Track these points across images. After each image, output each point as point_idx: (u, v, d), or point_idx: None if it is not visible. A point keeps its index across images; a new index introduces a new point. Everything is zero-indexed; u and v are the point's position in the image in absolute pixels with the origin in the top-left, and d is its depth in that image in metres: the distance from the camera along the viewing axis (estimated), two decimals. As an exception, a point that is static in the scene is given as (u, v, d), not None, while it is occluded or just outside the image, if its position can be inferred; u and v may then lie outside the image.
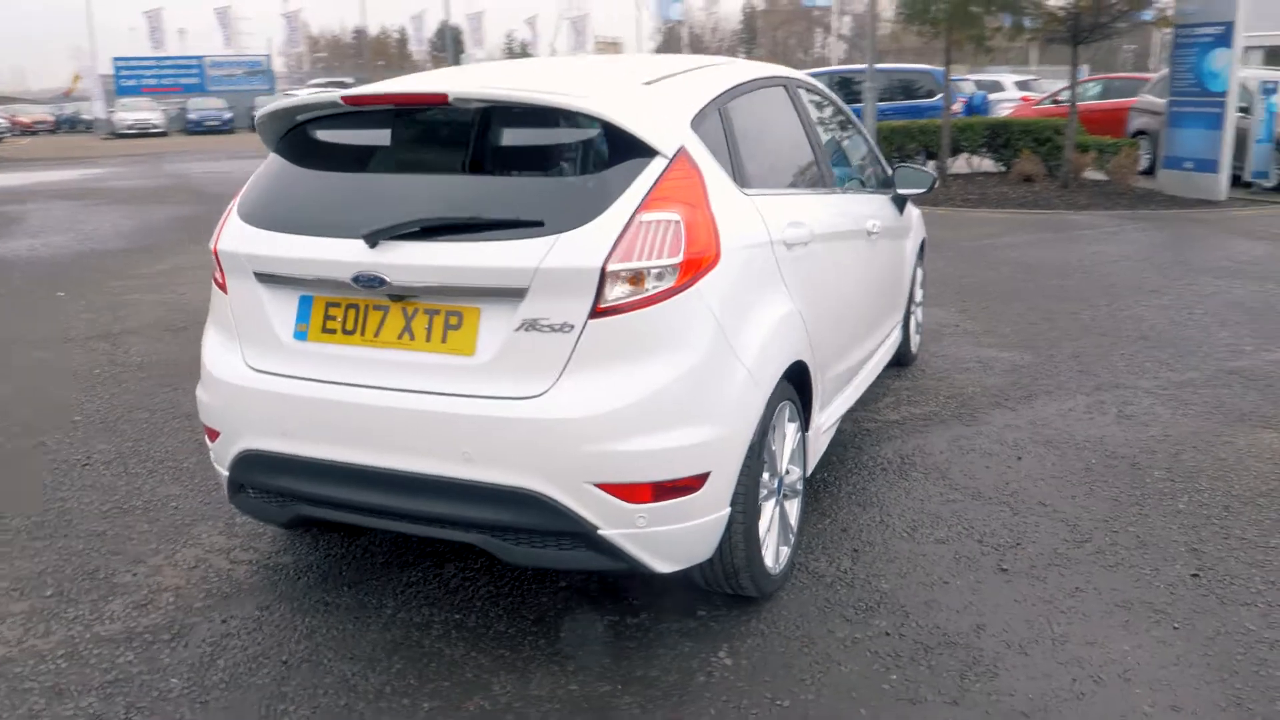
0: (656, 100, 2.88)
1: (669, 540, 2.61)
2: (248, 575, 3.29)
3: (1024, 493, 3.81)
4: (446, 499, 2.64)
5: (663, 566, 2.64)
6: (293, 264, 2.77)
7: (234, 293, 2.92)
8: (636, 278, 2.50)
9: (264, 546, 3.48)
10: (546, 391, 2.53)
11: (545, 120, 2.72)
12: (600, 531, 2.55)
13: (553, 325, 2.51)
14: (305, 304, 2.80)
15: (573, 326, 2.51)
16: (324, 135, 3.00)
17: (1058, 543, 3.39)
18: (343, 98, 2.80)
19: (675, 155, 2.67)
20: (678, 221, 2.57)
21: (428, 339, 2.64)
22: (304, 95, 3.00)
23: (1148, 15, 12.75)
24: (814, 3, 27.10)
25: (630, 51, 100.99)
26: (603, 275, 2.48)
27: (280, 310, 2.83)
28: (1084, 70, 21.89)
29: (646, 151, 2.63)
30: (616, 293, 2.50)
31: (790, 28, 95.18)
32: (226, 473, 2.99)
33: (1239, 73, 12.52)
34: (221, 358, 2.96)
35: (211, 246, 2.98)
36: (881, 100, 15.80)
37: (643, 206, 2.55)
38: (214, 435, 3.01)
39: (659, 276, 2.52)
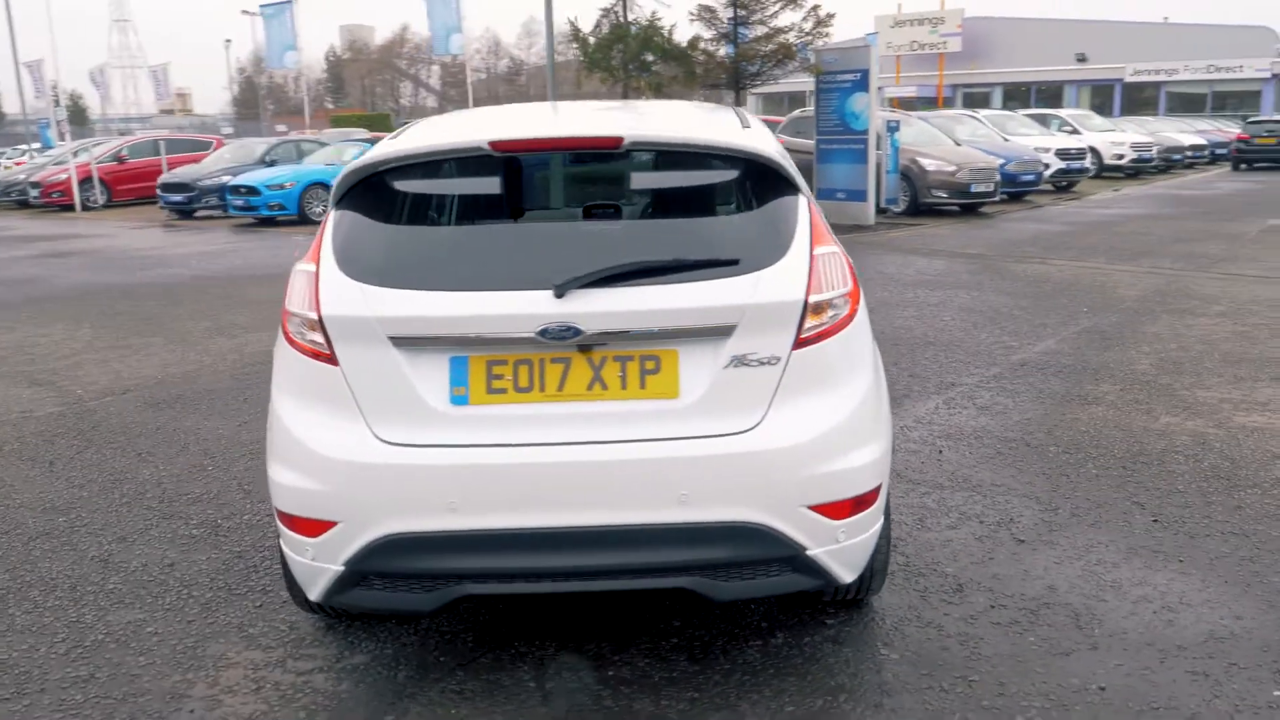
0: (775, 143, 3.03)
1: (855, 552, 2.76)
2: (333, 683, 2.91)
3: (973, 479, 4.37)
4: (657, 546, 2.59)
5: (848, 578, 2.78)
6: (452, 323, 2.55)
7: (351, 362, 2.61)
8: (822, 308, 2.65)
9: (316, 650, 3.08)
10: (760, 423, 2.59)
11: (700, 162, 2.77)
12: (808, 552, 2.64)
13: (761, 359, 2.59)
14: (459, 365, 2.59)
15: (779, 359, 2.60)
16: (437, 184, 2.80)
17: (1038, 514, 3.97)
18: (492, 143, 2.64)
19: (806, 195, 2.85)
20: (839, 254, 2.75)
21: (623, 386, 2.58)
22: (433, 141, 2.78)
23: (804, 63, 14.52)
24: (448, 51, 27.17)
25: (200, 102, 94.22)
26: (805, 307, 2.61)
27: (427, 375, 2.59)
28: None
29: (793, 190, 2.79)
30: (810, 324, 2.63)
31: (377, 76, 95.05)
32: (340, 567, 2.66)
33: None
34: (331, 437, 2.62)
35: (307, 312, 2.65)
36: None
37: (813, 242, 2.71)
38: (319, 528, 2.66)
39: (837, 306, 2.69)
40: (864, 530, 2.76)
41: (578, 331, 2.51)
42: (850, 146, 14.86)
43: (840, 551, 2.70)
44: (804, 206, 2.78)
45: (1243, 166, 25.86)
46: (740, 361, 2.58)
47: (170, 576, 3.62)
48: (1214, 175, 25.05)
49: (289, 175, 18.70)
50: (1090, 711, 2.66)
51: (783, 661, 2.94)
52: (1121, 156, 22.44)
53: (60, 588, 3.57)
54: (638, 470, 2.54)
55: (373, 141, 21.25)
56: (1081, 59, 42.45)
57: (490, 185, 2.80)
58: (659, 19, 13.96)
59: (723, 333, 2.57)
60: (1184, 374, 5.95)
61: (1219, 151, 28.11)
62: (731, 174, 2.76)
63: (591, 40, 14.19)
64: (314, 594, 2.77)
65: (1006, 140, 18.98)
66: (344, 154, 19.53)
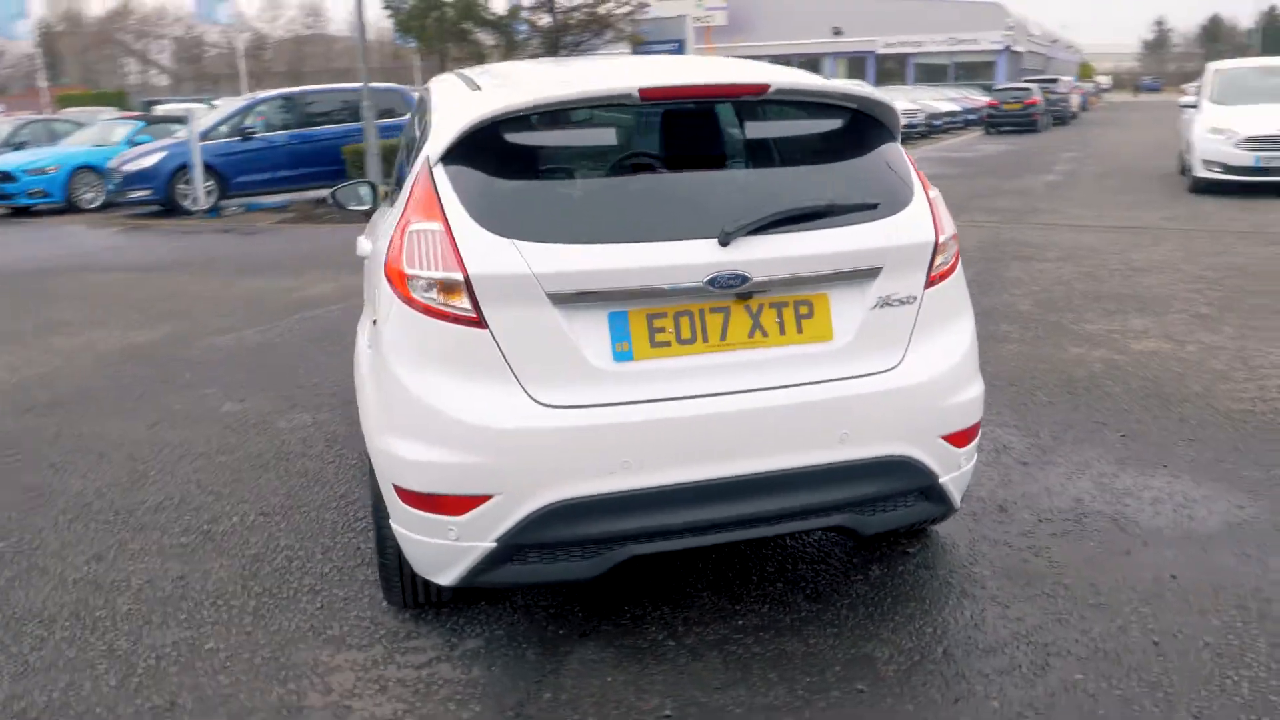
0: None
1: (966, 478, 2.92)
2: (462, 671, 2.75)
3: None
4: (818, 487, 2.63)
5: (958, 503, 2.94)
6: (619, 276, 2.47)
7: (502, 323, 2.46)
8: (943, 248, 2.77)
9: (418, 643, 2.89)
10: (903, 360, 2.68)
11: (827, 111, 2.79)
12: (940, 480, 2.78)
13: (901, 299, 2.67)
14: (619, 320, 2.51)
15: (915, 298, 2.70)
16: (573, 134, 2.67)
17: (1025, 439, 4.30)
18: (642, 90, 2.55)
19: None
20: (940, 199, 2.88)
21: (781, 332, 2.59)
22: (573, 90, 2.64)
23: (620, 33, 14.64)
24: (214, 19, 25.27)
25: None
26: (935, 248, 2.72)
27: (587, 333, 2.49)
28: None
29: (895, 137, 2.88)
30: (938, 263, 2.75)
31: (99, 52, 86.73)
32: (490, 544, 2.52)
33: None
34: (483, 405, 2.48)
35: (444, 274, 2.47)
36: (346, 121, 15.79)
37: (925, 185, 2.82)
38: (467, 505, 2.51)
39: (951, 247, 2.82)
40: (973, 457, 2.93)
41: (745, 279, 2.50)
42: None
43: (960, 478, 2.85)
44: (902, 152, 2.89)
45: (993, 130, 28.52)
46: (885, 302, 2.66)
47: (190, 589, 3.27)
48: (972, 138, 27.48)
49: (50, 158, 16.75)
50: (1179, 597, 2.95)
51: (894, 590, 3.07)
52: (912, 125, 24.13)
53: (60, 618, 3.13)
54: (801, 414, 2.57)
55: (147, 120, 19.45)
56: (837, 32, 45.17)
57: (633, 133, 2.72)
58: (478, -13, 13.62)
59: (870, 275, 2.64)
60: (1063, 311, 6.58)
61: (970, 118, 30.87)
62: (852, 122, 2.81)
63: (404, 8, 13.64)
64: (448, 577, 2.61)
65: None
66: (112, 134, 17.77)
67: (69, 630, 3.05)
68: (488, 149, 2.60)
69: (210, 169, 14.55)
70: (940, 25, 42.41)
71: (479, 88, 2.97)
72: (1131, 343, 5.71)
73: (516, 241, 2.46)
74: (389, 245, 2.65)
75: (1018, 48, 43.30)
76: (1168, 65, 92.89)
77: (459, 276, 2.46)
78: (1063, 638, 2.77)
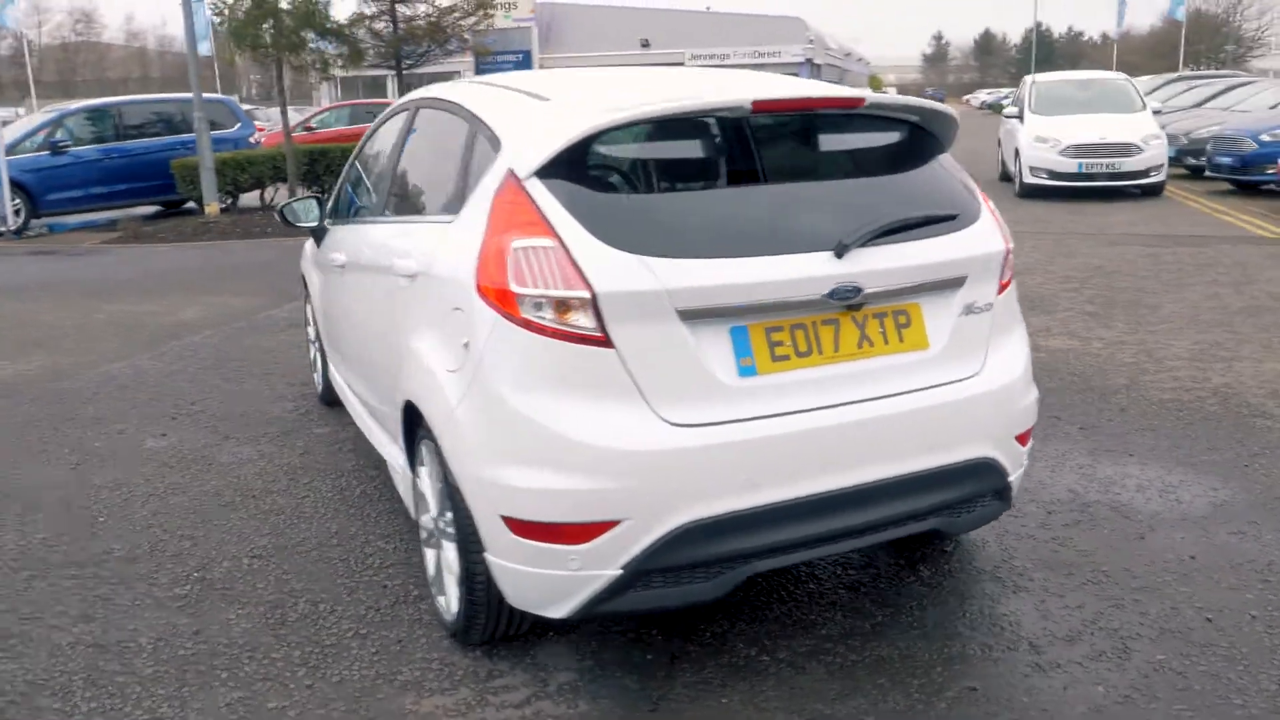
0: None
1: (1022, 476, 3.06)
2: (566, 706, 2.62)
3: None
4: (920, 492, 2.68)
5: (1012, 500, 3.07)
6: (746, 291, 2.43)
7: (628, 341, 2.38)
8: (1009, 258, 2.90)
9: (507, 681, 2.74)
10: (984, 365, 2.78)
11: (900, 125, 2.84)
12: (1009, 478, 2.90)
13: (980, 306, 2.77)
14: (740, 335, 2.47)
15: (990, 305, 2.81)
16: (670, 145, 2.60)
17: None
18: (755, 103, 2.51)
19: None
20: (996, 210, 3.01)
21: (885, 342, 2.62)
22: (683, 103, 2.57)
23: (463, 43, 14.34)
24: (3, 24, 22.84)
25: None
26: (1005, 257, 2.84)
27: (712, 348, 2.44)
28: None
29: (944, 149, 2.98)
30: (1007, 272, 2.87)
31: None
32: (616, 572, 2.43)
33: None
34: (609, 427, 2.38)
35: (565, 292, 2.35)
36: (168, 134, 14.77)
37: (984, 197, 2.94)
38: (592, 532, 2.41)
39: (1010, 257, 2.94)
40: (1030, 456, 3.07)
41: (859, 290, 2.52)
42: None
43: (1020, 476, 2.98)
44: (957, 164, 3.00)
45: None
46: (969, 310, 2.75)
47: (215, 644, 2.97)
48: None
49: None
50: (1206, 576, 3.20)
51: (951, 589, 3.17)
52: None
53: (74, 688, 2.77)
54: (907, 421, 2.62)
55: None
56: (645, 44, 45.97)
57: (732, 145, 2.67)
58: (319, -8, 13.01)
59: (957, 284, 2.72)
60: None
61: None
62: (915, 135, 2.88)
63: (239, 16, 12.86)
64: (563, 609, 2.50)
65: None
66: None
67: (94, 701, 2.71)
68: (591, 162, 2.52)
69: (18, 186, 13.23)
70: (745, 38, 43.95)
71: (544, 98, 2.85)
72: (1041, 340, 6.13)
73: (644, 258, 2.38)
74: (480, 263, 2.50)
75: (818, 60, 45.52)
76: (947, 77, 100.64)
77: (585, 294, 2.35)
78: (1127, 622, 2.95)
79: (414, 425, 3.02)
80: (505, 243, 2.46)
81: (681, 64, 45.55)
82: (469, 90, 3.22)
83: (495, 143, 2.73)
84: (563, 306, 2.38)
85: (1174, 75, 23.26)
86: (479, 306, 2.49)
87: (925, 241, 2.66)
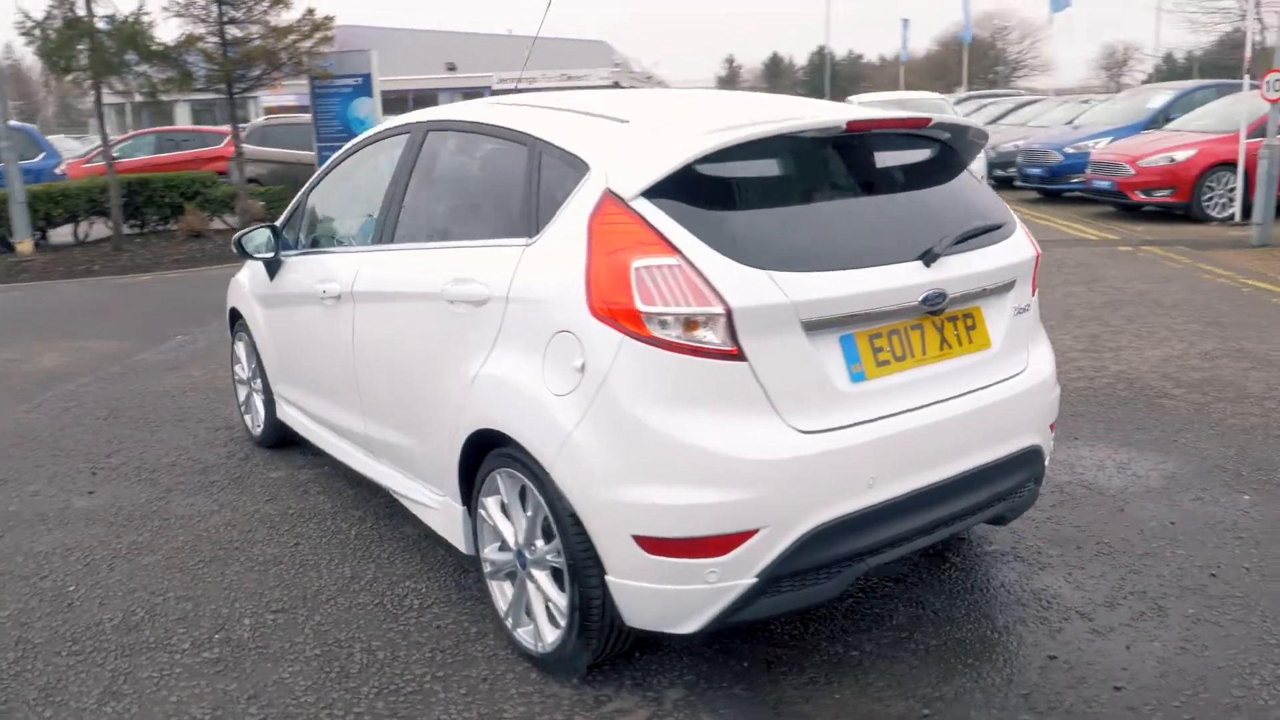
0: None
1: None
2: (734, 700, 2.64)
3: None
4: (990, 481, 2.88)
5: None
6: (856, 301, 2.54)
7: (759, 354, 2.44)
8: (1038, 263, 3.16)
9: (629, 700, 2.72)
10: (1028, 362, 3.01)
11: (934, 140, 3.03)
12: (1045, 462, 3.15)
13: (1023, 308, 3.01)
14: (849, 343, 2.58)
15: (1029, 306, 3.05)
16: (765, 164, 2.66)
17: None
18: (849, 124, 2.62)
19: None
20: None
21: (959, 343, 2.80)
22: (784, 124, 2.64)
23: (297, 67, 13.73)
24: None
25: None
26: (1036, 261, 3.09)
27: (829, 357, 2.54)
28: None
29: (965, 164, 3.21)
30: (1037, 276, 3.13)
31: None
32: (751, 580, 2.48)
33: (382, 118, 14.62)
34: (745, 438, 2.44)
35: (700, 308, 2.39)
36: None
37: (1008, 207, 3.19)
38: (731, 544, 2.45)
39: (1038, 262, 3.20)
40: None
41: (945, 296, 2.69)
42: (360, 152, 14.52)
43: (1048, 461, 3.24)
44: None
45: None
46: (1017, 311, 2.98)
47: (284, 710, 2.78)
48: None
49: None
50: (1191, 537, 3.57)
51: (986, 572, 3.39)
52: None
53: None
54: (984, 416, 2.81)
55: None
56: (451, 68, 45.56)
57: (819, 164, 2.77)
58: (145, 14, 12.14)
59: (1009, 287, 2.95)
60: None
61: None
62: (951, 151, 3.07)
63: (51, 35, 11.85)
64: (695, 624, 2.52)
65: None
66: None
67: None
68: (699, 182, 2.56)
69: None
70: (552, 62, 44.27)
71: (621, 119, 2.86)
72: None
73: (770, 272, 2.45)
74: (591, 285, 2.49)
75: (624, 84, 46.52)
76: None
77: (719, 310, 2.39)
78: (1151, 584, 3.25)
79: (479, 456, 2.94)
80: (623, 262, 2.46)
81: (489, 88, 45.51)
82: (511, 113, 3.17)
83: (577, 165, 2.72)
84: (690, 323, 2.41)
85: (965, 94, 25.32)
86: (596, 328, 2.48)
87: (985, 249, 2.87)
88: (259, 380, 4.90)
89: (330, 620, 3.24)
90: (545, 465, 2.61)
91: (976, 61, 51.15)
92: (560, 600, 2.71)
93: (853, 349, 2.59)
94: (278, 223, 4.43)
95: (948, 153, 3.04)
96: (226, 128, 19.07)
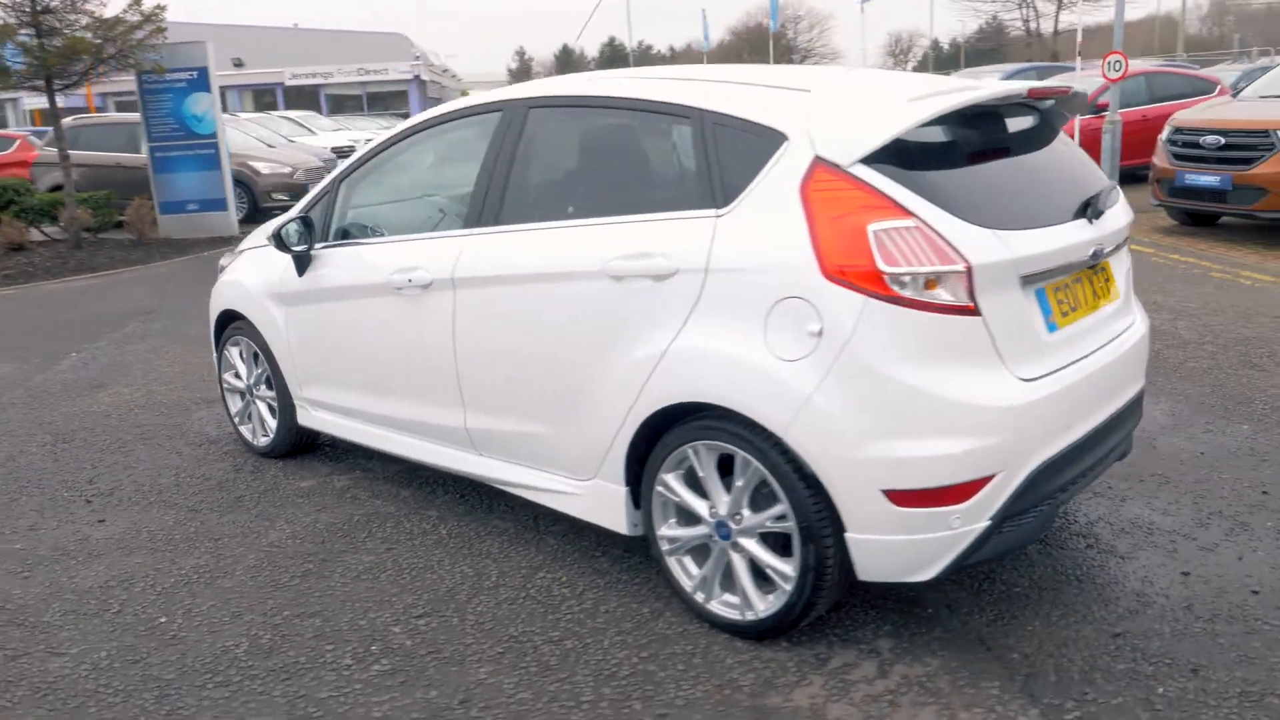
0: None
1: None
2: (937, 642, 2.76)
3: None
4: (1124, 422, 3.15)
5: None
6: (1050, 257, 2.75)
7: (989, 309, 2.59)
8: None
9: (857, 637, 2.81)
10: (1135, 314, 3.31)
11: (1052, 111, 3.24)
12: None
13: (1129, 267, 3.31)
14: (1042, 296, 2.77)
15: (1129, 264, 3.35)
16: (966, 131, 2.81)
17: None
18: (1029, 90, 2.79)
19: None
20: None
21: (1103, 295, 3.05)
22: (983, 93, 2.79)
23: (122, 60, 12.63)
24: None
25: None
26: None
27: (1034, 309, 2.72)
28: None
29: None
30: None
31: None
32: (985, 523, 2.64)
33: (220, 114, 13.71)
34: (983, 388, 2.59)
35: (943, 266, 2.50)
36: None
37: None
38: (972, 490, 2.59)
39: None
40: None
41: (1103, 251, 2.94)
42: (197, 152, 13.57)
43: None
44: None
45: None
46: (1128, 269, 3.27)
47: (516, 711, 2.68)
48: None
49: None
50: (1225, 463, 4.02)
51: (1089, 510, 3.69)
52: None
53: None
54: (1124, 360, 3.08)
55: None
56: (239, 64, 43.02)
57: (1006, 129, 2.93)
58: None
59: (1125, 245, 3.23)
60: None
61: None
62: (1062, 116, 3.31)
63: None
64: (933, 570, 2.66)
65: (291, 141, 19.07)
66: None
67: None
68: (909, 148, 2.66)
69: None
70: (349, 56, 42.75)
71: (801, 89, 2.90)
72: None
73: (995, 231, 2.60)
74: (821, 250, 2.56)
75: (425, 77, 45.43)
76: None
77: (960, 268, 2.52)
78: (1222, 505, 3.66)
79: (655, 434, 2.94)
80: (858, 226, 2.54)
81: (281, 84, 43.29)
82: (654, 87, 3.12)
83: (768, 135, 2.76)
84: (929, 282, 2.52)
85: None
86: (833, 291, 2.55)
87: (1112, 209, 3.13)
88: (266, 387, 4.59)
89: (488, 619, 3.13)
90: (777, 430, 2.64)
91: (764, 51, 53.61)
92: (783, 566, 2.76)
93: (1045, 302, 2.78)
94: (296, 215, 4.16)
95: (1058, 118, 3.28)
96: (16, 131, 17.31)
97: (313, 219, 4.09)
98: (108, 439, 5.15)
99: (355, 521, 3.93)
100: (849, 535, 2.64)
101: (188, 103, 13.49)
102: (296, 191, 15.53)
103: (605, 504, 3.18)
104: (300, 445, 4.64)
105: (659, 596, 3.18)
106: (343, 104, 44.07)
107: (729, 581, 2.94)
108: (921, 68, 41.68)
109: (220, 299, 4.76)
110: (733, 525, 2.85)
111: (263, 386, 4.63)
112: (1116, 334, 3.08)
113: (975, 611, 3.02)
